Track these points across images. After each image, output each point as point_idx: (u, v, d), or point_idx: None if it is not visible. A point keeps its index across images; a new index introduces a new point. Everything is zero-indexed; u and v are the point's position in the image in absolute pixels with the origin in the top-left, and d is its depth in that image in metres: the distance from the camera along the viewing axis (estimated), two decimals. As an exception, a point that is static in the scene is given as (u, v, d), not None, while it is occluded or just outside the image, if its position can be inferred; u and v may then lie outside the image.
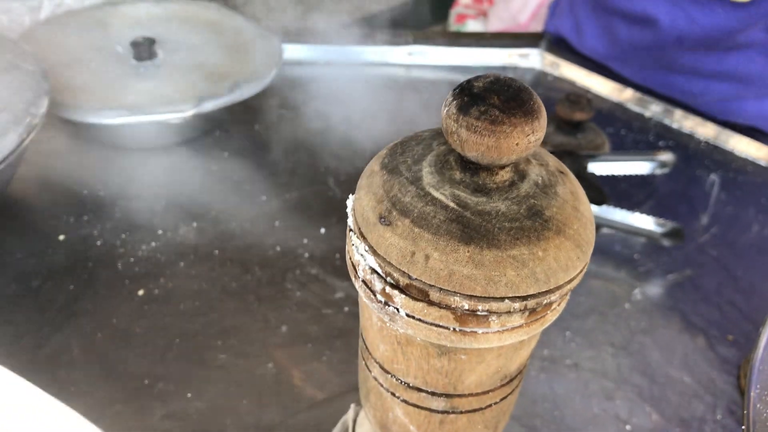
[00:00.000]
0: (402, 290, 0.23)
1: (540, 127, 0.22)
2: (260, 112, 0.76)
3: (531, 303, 0.23)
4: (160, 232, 0.61)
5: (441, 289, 0.22)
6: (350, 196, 0.26)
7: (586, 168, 0.65)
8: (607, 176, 0.67)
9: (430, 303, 0.23)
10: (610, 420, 0.49)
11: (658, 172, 0.67)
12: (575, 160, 0.64)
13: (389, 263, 0.23)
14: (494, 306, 0.22)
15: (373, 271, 0.24)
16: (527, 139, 0.22)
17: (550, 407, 0.49)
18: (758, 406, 0.32)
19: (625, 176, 0.68)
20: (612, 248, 0.63)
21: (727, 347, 0.55)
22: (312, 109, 0.77)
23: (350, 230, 0.25)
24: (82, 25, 0.77)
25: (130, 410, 0.47)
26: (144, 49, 0.71)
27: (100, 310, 0.54)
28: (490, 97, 0.22)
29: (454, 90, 0.23)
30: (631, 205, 0.66)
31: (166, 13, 0.81)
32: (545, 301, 0.23)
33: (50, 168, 0.67)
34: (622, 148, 0.76)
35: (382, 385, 0.29)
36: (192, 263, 0.58)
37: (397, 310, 0.24)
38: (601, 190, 0.65)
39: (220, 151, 0.71)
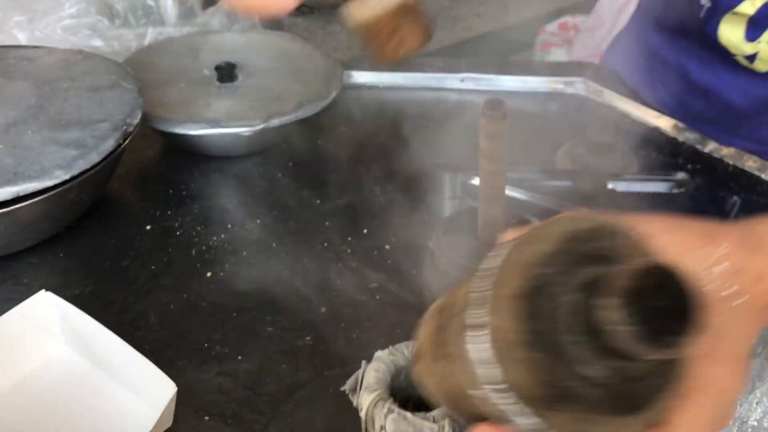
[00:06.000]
0: None
1: None
2: (322, 128, 0.86)
3: None
4: (229, 226, 0.72)
5: None
6: None
7: (605, 185, 0.71)
8: (629, 193, 0.73)
9: None
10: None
11: (676, 191, 0.72)
12: (596, 179, 0.71)
13: None
14: None
15: None
16: None
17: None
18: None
19: (646, 194, 0.74)
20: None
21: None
22: (368, 128, 0.87)
23: None
24: (177, 51, 0.90)
25: (191, 366, 0.57)
26: (226, 73, 0.83)
27: (174, 286, 0.65)
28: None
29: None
30: (649, 221, 0.71)
31: (248, 41, 0.93)
32: None
33: (142, 170, 0.80)
34: (650, 170, 0.81)
35: None
36: (253, 253, 0.69)
37: None
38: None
39: (285, 161, 0.82)
